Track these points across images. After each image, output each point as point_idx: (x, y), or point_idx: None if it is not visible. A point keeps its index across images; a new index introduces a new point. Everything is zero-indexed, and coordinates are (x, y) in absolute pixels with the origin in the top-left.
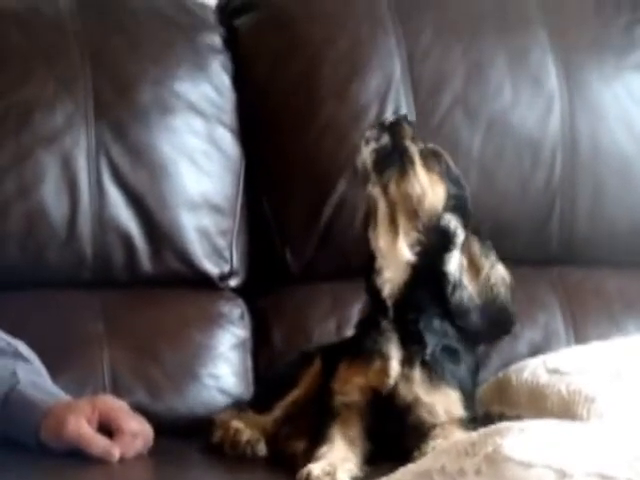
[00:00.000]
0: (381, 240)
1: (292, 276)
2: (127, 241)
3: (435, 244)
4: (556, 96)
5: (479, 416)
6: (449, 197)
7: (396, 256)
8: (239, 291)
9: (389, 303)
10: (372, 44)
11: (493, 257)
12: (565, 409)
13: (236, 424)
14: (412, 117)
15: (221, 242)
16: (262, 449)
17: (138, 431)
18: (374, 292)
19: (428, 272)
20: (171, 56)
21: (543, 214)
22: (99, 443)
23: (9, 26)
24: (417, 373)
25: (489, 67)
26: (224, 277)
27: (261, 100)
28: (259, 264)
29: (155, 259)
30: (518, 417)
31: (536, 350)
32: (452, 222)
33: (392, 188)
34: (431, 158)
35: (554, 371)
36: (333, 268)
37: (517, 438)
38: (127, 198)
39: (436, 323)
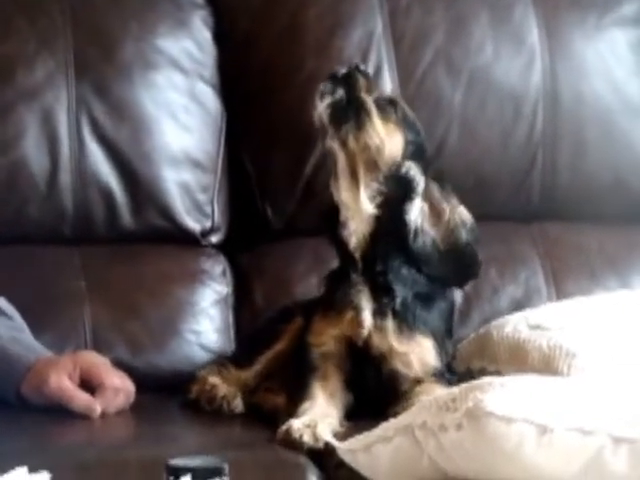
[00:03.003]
0: (343, 193)
1: (273, 232)
2: (108, 197)
3: (397, 193)
4: (537, 51)
5: (453, 365)
6: (407, 144)
7: (359, 208)
8: (220, 247)
9: (357, 256)
10: None
11: (454, 201)
12: (546, 364)
13: (213, 380)
14: (394, 72)
15: (202, 198)
16: (238, 405)
17: (120, 387)
18: (341, 245)
19: (392, 222)
20: (152, 12)
21: (524, 168)
22: (81, 399)
23: None
24: (389, 323)
25: (471, 22)
26: (205, 233)
27: (243, 55)
28: (240, 220)
29: (136, 215)
30: (499, 372)
31: (517, 306)
32: (412, 169)
33: (350, 141)
34: (387, 107)
35: (535, 326)
36: (315, 224)
37: (498, 393)
38: (108, 154)
39: (405, 272)
